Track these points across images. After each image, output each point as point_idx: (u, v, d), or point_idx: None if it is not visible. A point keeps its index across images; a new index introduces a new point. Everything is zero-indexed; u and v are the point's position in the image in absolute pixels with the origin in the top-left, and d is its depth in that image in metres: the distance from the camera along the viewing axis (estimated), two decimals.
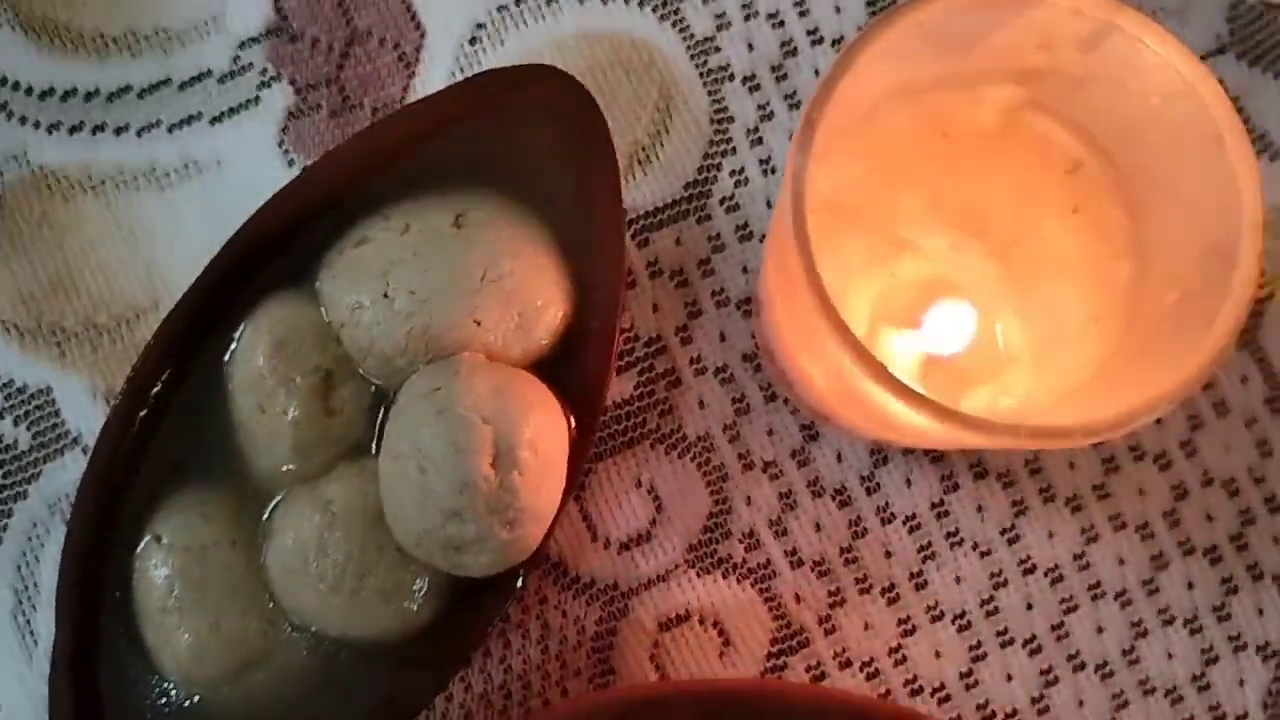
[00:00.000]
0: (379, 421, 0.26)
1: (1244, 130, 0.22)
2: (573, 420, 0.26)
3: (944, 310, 0.27)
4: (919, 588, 0.31)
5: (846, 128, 0.25)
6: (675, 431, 0.31)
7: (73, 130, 0.32)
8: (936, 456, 0.31)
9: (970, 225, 0.28)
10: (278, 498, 0.26)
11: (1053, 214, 0.27)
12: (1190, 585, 0.31)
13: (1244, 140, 0.22)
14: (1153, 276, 0.25)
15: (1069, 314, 0.26)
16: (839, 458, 0.31)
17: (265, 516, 0.26)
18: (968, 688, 0.31)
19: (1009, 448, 0.26)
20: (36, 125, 0.32)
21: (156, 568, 0.26)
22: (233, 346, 0.27)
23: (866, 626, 0.31)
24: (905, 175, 0.28)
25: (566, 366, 0.27)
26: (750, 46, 0.33)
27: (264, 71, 0.32)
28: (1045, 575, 0.31)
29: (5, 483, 0.31)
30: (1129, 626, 0.31)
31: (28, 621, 0.30)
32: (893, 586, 0.31)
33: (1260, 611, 0.31)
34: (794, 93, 0.32)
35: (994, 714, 0.31)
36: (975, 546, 0.31)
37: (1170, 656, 0.31)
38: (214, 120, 0.32)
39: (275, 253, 0.27)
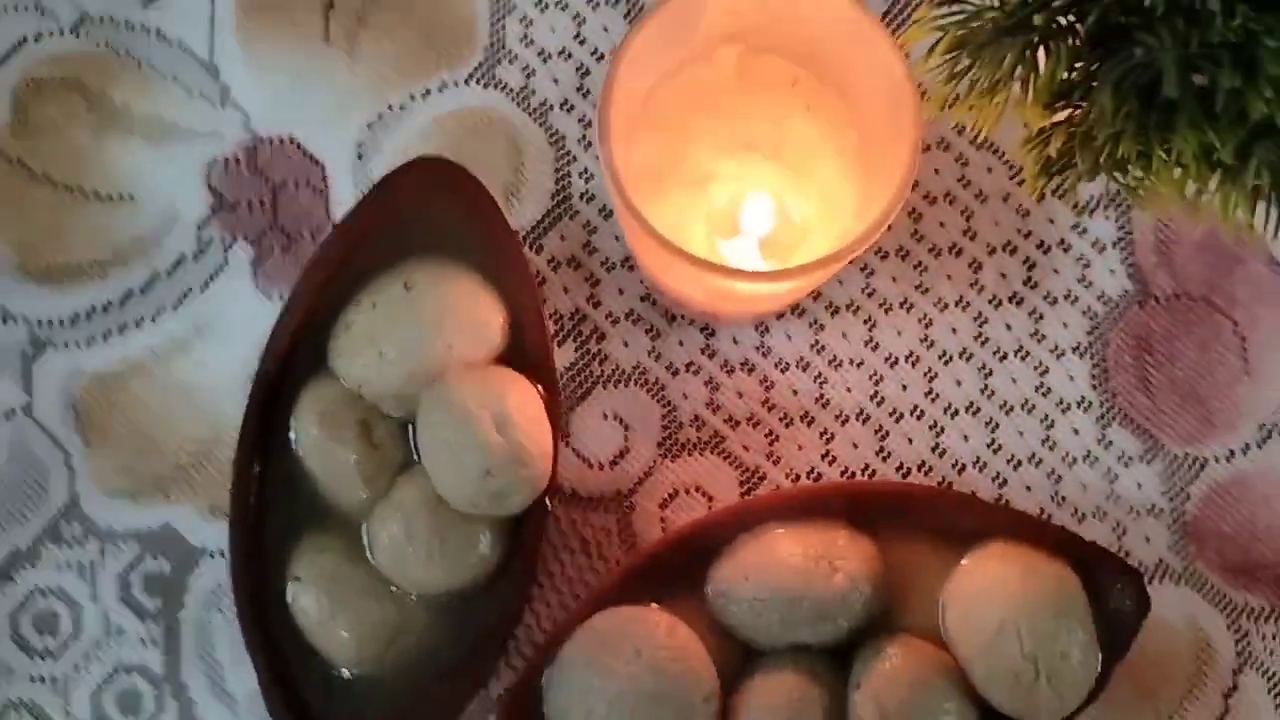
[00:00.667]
0: (412, 440, 0.37)
1: (880, 24, 0.34)
2: (540, 387, 0.37)
3: (749, 206, 0.38)
4: (824, 406, 0.42)
5: (635, 112, 0.36)
6: (616, 370, 0.42)
7: (105, 337, 0.42)
8: (800, 311, 0.42)
9: (749, 145, 0.39)
10: (369, 518, 0.37)
11: (796, 116, 0.38)
12: (1009, 327, 0.43)
13: (882, 32, 0.33)
14: (868, 135, 0.36)
15: (831, 180, 0.38)
16: (735, 341, 0.42)
17: (364, 532, 0.37)
18: (884, 459, 0.42)
19: (794, 284, 0.36)
20: (79, 345, 0.42)
21: (304, 598, 0.36)
22: (292, 434, 0.37)
23: (800, 448, 0.42)
24: (691, 129, 0.38)
25: (520, 354, 0.38)
26: (555, 80, 0.43)
27: (223, 240, 0.42)
28: (906, 361, 0.42)
29: (165, 604, 0.41)
30: (977, 372, 0.42)
31: (225, 690, 0.41)
32: (806, 413, 0.42)
33: (1065, 325, 0.43)
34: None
35: (909, 470, 0.42)
36: (851, 361, 0.42)
37: (1014, 381, 0.42)
38: (203, 288, 0.42)
39: (291, 362, 0.38)
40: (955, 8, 0.31)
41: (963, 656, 0.36)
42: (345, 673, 0.37)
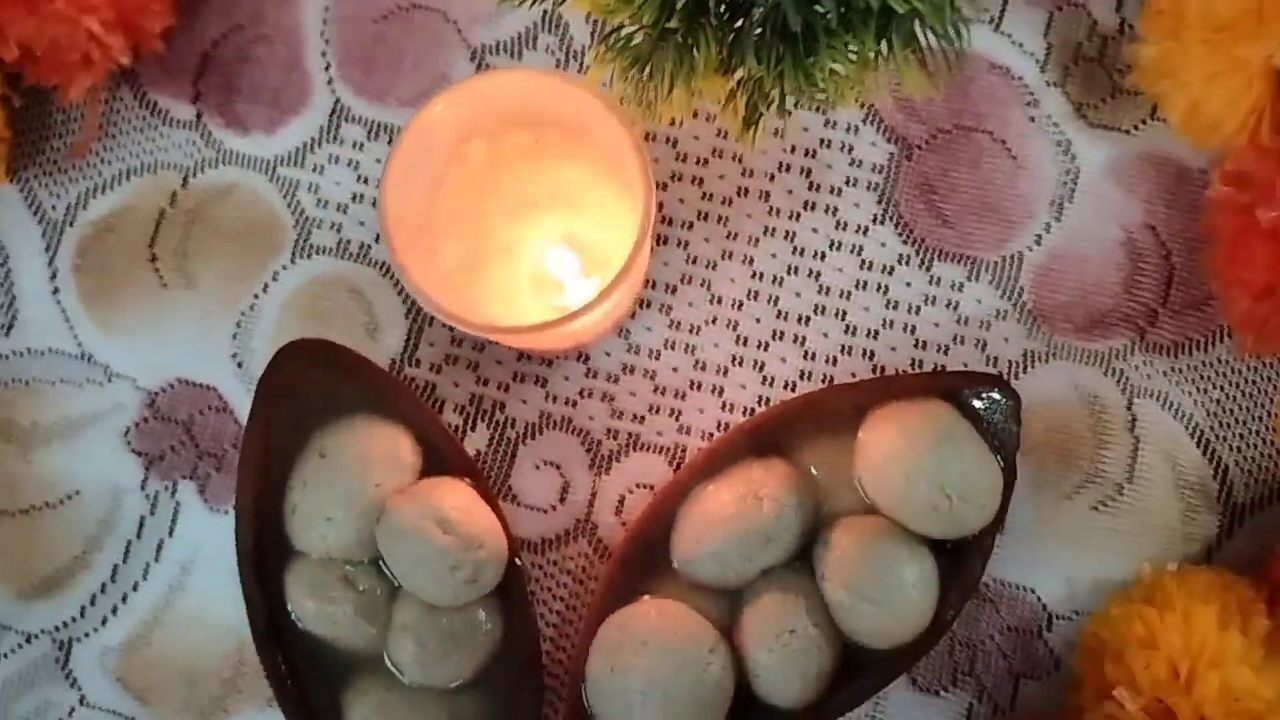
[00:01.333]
0: (388, 571, 0.43)
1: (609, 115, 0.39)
2: (466, 479, 0.43)
3: (550, 259, 0.43)
4: (703, 369, 0.48)
5: (423, 224, 0.41)
6: (526, 426, 0.48)
7: (114, 612, 0.47)
8: (646, 304, 0.48)
9: (531, 204, 0.44)
10: (386, 648, 0.43)
11: (552, 167, 0.44)
12: (814, 230, 0.48)
13: (612, 120, 0.39)
14: (613, 158, 0.42)
15: (604, 199, 0.43)
16: (607, 354, 0.48)
17: (387, 661, 0.43)
18: (771, 385, 0.48)
19: (613, 300, 0.42)
20: (96, 630, 0.47)
21: None
22: (294, 615, 0.43)
23: (701, 411, 0.48)
24: (479, 215, 0.44)
25: (438, 460, 0.43)
26: (361, 223, 0.49)
27: (166, 488, 0.48)
28: (749, 299, 0.48)
29: None
30: (808, 278, 0.48)
31: None
32: (693, 381, 0.48)
33: (856, 205, 0.48)
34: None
35: (794, 384, 0.48)
36: (706, 322, 0.48)
37: (840, 270, 0.48)
38: (170, 533, 0.48)
39: (262, 560, 0.43)
40: (613, 39, 0.37)
41: (890, 512, 0.42)
42: None
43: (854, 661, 0.43)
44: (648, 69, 0.37)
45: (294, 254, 0.49)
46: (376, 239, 0.49)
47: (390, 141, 0.49)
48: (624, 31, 0.37)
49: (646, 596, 0.43)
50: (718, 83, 0.37)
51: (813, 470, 0.44)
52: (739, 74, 0.37)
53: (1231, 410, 0.47)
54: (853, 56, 0.36)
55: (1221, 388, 0.47)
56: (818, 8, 0.34)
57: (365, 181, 0.49)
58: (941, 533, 0.42)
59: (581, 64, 0.49)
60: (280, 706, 0.42)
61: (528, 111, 0.42)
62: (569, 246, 0.44)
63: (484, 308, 0.44)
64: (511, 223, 0.44)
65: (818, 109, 0.48)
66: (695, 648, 0.41)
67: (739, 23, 0.36)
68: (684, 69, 0.36)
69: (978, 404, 0.43)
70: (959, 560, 0.42)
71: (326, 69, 0.50)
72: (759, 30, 0.35)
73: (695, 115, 0.48)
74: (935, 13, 0.35)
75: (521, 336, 0.38)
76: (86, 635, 0.47)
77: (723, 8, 0.35)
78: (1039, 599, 0.46)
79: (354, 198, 0.49)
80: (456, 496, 0.42)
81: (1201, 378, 0.47)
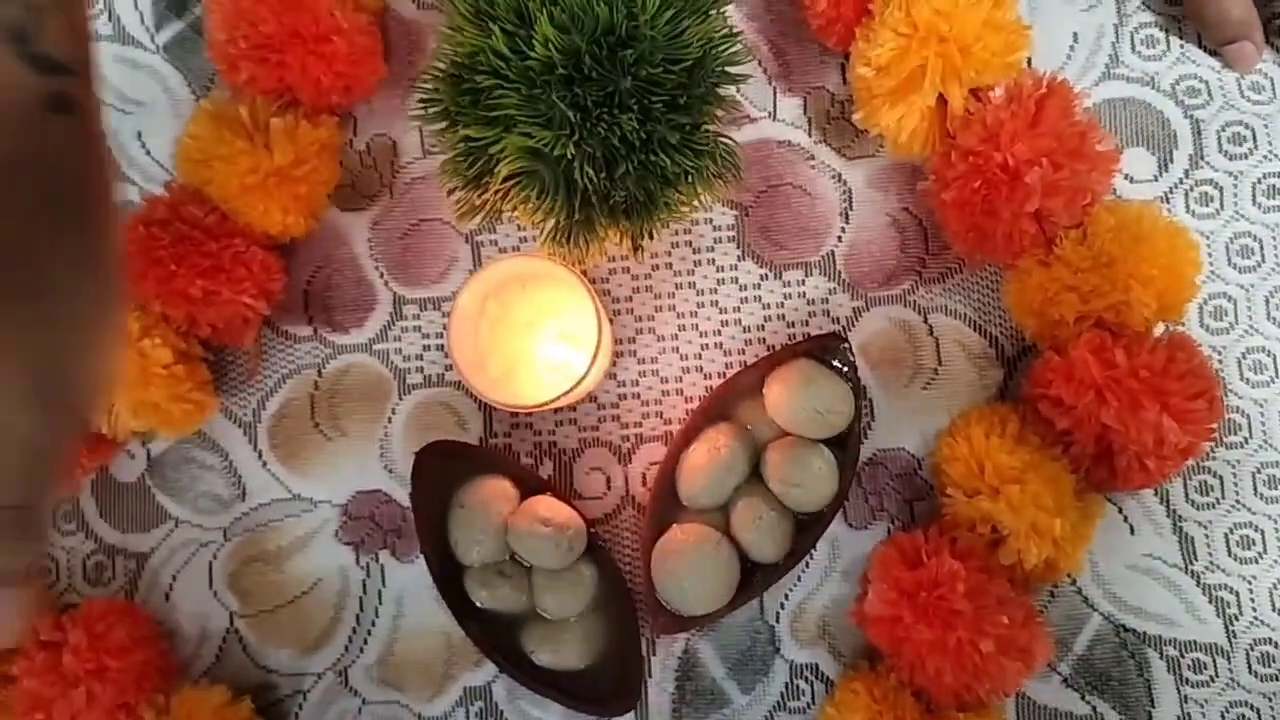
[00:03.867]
0: (522, 562, 0.71)
1: (563, 268, 0.68)
2: (549, 494, 0.72)
3: (544, 352, 0.72)
4: (664, 380, 0.76)
5: (477, 358, 0.70)
6: (569, 451, 0.76)
7: (354, 662, 0.77)
8: (623, 353, 0.76)
9: (529, 324, 0.73)
10: (537, 603, 0.71)
11: (539, 294, 0.72)
12: (705, 277, 0.76)
13: (565, 271, 0.68)
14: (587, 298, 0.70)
15: (569, 301, 0.72)
16: (606, 392, 0.76)
17: (539, 610, 0.71)
18: (711, 378, 0.76)
19: (598, 367, 0.71)
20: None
21: (543, 654, 0.71)
22: (478, 602, 0.72)
23: (674, 407, 0.76)
24: (510, 342, 0.73)
25: (527, 490, 0.72)
26: (434, 363, 0.78)
27: (372, 558, 0.77)
28: (682, 330, 0.76)
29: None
30: (712, 306, 0.76)
31: None
32: (666, 390, 0.76)
33: (725, 254, 0.77)
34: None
35: (727, 368, 0.76)
36: (662, 352, 0.76)
37: (730, 295, 0.76)
38: (379, 599, 0.77)
39: (448, 578, 0.72)
40: (547, 231, 0.65)
41: (794, 432, 0.70)
42: (578, 664, 0.71)
43: (804, 524, 0.71)
44: (572, 239, 0.65)
45: (400, 394, 0.78)
46: (447, 368, 0.77)
47: (437, 308, 0.78)
48: (552, 225, 0.65)
49: (674, 526, 0.72)
50: (612, 234, 0.66)
51: (746, 423, 0.72)
52: (622, 226, 0.66)
53: (986, 302, 0.75)
54: (682, 198, 0.65)
55: (976, 292, 0.75)
56: (649, 186, 0.63)
57: (428, 337, 0.78)
58: (826, 434, 0.70)
59: (530, 235, 0.78)
60: (487, 656, 0.71)
61: (517, 275, 0.70)
62: (562, 340, 0.72)
63: (522, 392, 0.72)
64: (525, 337, 0.73)
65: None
66: (709, 543, 0.70)
67: (612, 201, 0.64)
68: (592, 235, 0.65)
69: (825, 353, 0.71)
70: (844, 447, 0.71)
71: (381, 276, 0.78)
72: (624, 204, 0.64)
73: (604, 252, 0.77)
74: (711, 164, 0.63)
75: (546, 406, 0.67)
76: (353, 661, 0.76)
77: (603, 198, 0.64)
78: (909, 452, 0.74)
79: (425, 348, 0.78)
80: (546, 504, 0.70)
81: (962, 290, 0.75)
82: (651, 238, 0.66)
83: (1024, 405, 0.70)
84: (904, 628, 0.65)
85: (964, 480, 0.67)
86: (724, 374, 0.76)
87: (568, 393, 0.67)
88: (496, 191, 0.63)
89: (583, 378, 0.66)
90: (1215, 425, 0.66)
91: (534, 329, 0.72)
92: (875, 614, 0.66)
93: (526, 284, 0.71)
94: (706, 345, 0.76)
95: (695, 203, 0.65)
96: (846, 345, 0.71)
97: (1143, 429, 0.64)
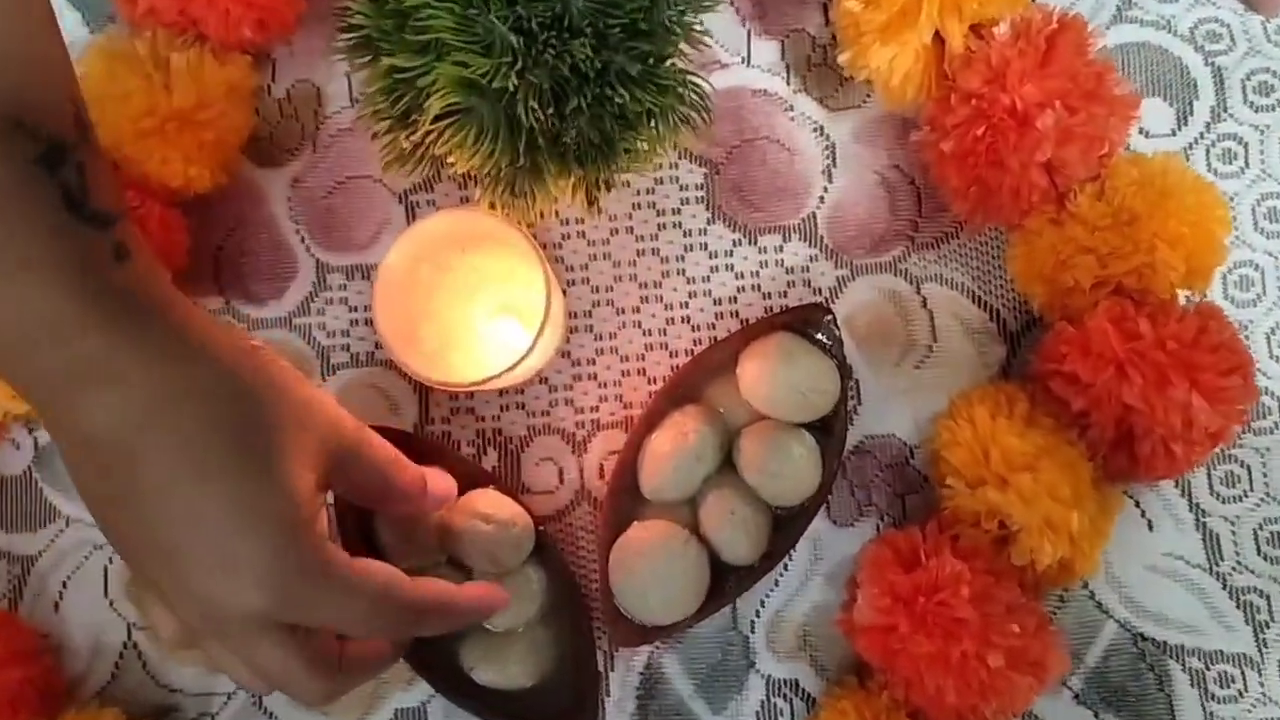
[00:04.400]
0: (459, 560, 0.62)
1: (506, 225, 0.59)
2: (491, 486, 0.63)
3: (498, 329, 0.63)
4: (626, 359, 0.67)
5: (409, 330, 0.61)
6: (519, 439, 0.67)
7: None
8: (581, 328, 0.67)
9: (486, 288, 0.64)
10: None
11: (477, 257, 0.63)
12: (670, 242, 0.68)
13: (508, 228, 0.58)
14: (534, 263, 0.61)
15: (518, 269, 0.63)
16: (558, 372, 0.67)
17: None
18: (678, 356, 0.67)
19: (546, 343, 0.62)
20: None
21: (485, 673, 0.62)
22: None
23: (635, 389, 0.67)
24: (453, 310, 0.63)
25: (468, 484, 0.63)
26: (363, 339, 0.68)
27: None
28: (645, 303, 0.67)
29: None
30: (679, 276, 0.67)
31: None
32: (626, 370, 0.67)
33: (693, 216, 0.68)
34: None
35: (696, 344, 0.67)
36: (621, 326, 0.67)
37: (697, 264, 0.68)
38: None
39: None
40: (488, 177, 0.56)
41: (772, 414, 0.62)
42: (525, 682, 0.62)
43: (782, 520, 0.62)
44: (516, 190, 0.56)
45: (323, 373, 0.68)
46: (377, 345, 0.68)
47: (365, 278, 0.69)
48: (492, 172, 0.56)
49: (635, 523, 0.63)
50: (562, 184, 0.57)
51: (717, 406, 0.63)
52: (575, 175, 0.57)
53: (988, 271, 0.67)
54: (643, 143, 0.56)
55: (976, 259, 0.67)
56: (605, 127, 0.54)
57: (355, 309, 0.69)
58: (808, 417, 0.61)
59: (472, 195, 0.69)
60: (419, 674, 0.62)
61: (454, 234, 0.61)
62: (507, 312, 0.63)
63: (461, 371, 0.63)
64: (464, 307, 0.64)
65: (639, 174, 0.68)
66: (675, 543, 0.61)
67: (562, 144, 0.55)
68: (540, 185, 0.56)
69: (806, 325, 0.63)
70: (828, 432, 0.62)
71: (303, 240, 0.69)
72: (576, 148, 0.55)
73: (555, 206, 0.68)
74: (677, 104, 0.55)
75: (486, 386, 0.58)
76: None
77: (552, 140, 0.55)
78: (900, 439, 0.66)
79: (352, 323, 0.68)
80: (488, 499, 0.61)
81: (960, 256, 0.67)
82: (608, 189, 0.57)
83: (1033, 385, 0.61)
84: (899, 638, 0.56)
85: (967, 468, 0.58)
86: (691, 351, 0.67)
87: (512, 369, 0.58)
88: (428, 133, 0.54)
89: (528, 352, 0.57)
90: (1248, 407, 0.58)
91: (474, 298, 0.63)
92: (866, 623, 0.57)
93: (466, 246, 0.62)
94: (672, 319, 0.67)
95: (658, 149, 0.57)
96: (831, 317, 0.62)
97: (1170, 409, 0.56)
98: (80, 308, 0.43)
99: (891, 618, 0.56)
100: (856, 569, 0.61)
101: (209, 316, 0.48)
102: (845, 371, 0.62)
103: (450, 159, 0.55)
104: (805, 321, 0.63)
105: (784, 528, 0.62)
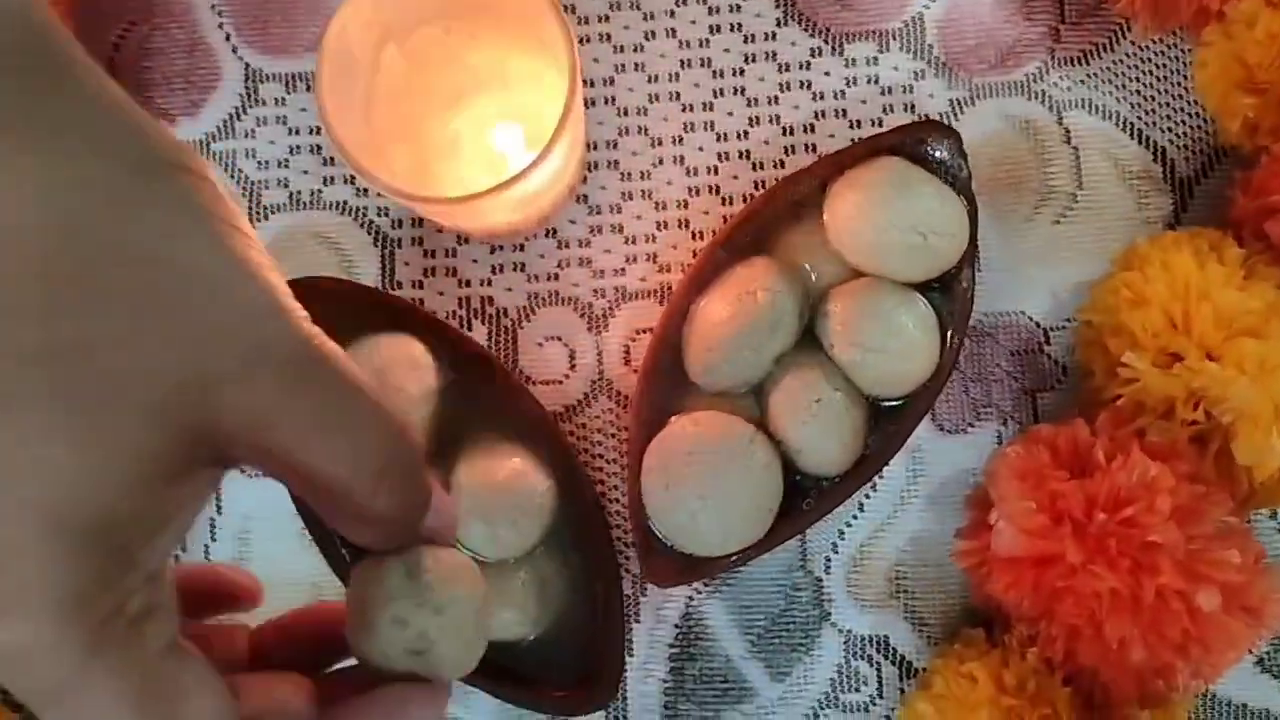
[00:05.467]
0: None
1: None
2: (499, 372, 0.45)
3: (497, 136, 0.45)
4: (664, 208, 0.50)
5: (366, 138, 0.43)
6: (517, 309, 0.50)
7: None
8: (606, 164, 0.50)
9: (459, 93, 0.46)
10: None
11: (470, 50, 0.45)
12: (726, 50, 0.50)
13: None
14: (530, 25, 0.43)
15: (529, 67, 0.45)
16: (571, 222, 0.50)
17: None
18: (730, 204, 0.50)
19: (558, 161, 0.44)
20: None
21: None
22: None
23: (674, 247, 0.50)
24: (415, 117, 0.46)
25: (448, 357, 0.45)
26: (306, 172, 0.50)
27: None
28: (689, 131, 0.50)
29: None
30: (737, 96, 0.50)
31: None
32: (660, 222, 0.50)
33: (758, 15, 0.50)
34: None
35: (750, 195, 0.50)
36: (660, 161, 0.50)
37: (761, 79, 0.50)
38: (211, 533, 0.49)
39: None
40: None
41: (874, 269, 0.44)
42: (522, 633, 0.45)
43: (882, 416, 0.45)
44: None
45: (251, 220, 0.50)
46: (325, 180, 0.50)
47: (310, 89, 0.51)
48: None
49: (678, 417, 0.45)
50: None
51: (795, 258, 0.46)
52: None
53: (1153, 95, 0.50)
54: None
55: (1137, 78, 0.50)
56: None
57: (297, 132, 0.51)
58: (925, 272, 0.44)
59: None
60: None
61: (432, 4, 0.43)
62: (509, 121, 0.46)
63: (446, 187, 0.45)
64: (447, 115, 0.46)
65: None
66: (736, 441, 0.44)
67: None
68: None
69: (922, 149, 0.45)
70: (949, 294, 0.45)
71: (228, 39, 0.51)
72: None
73: None
74: None
75: (472, 199, 0.40)
76: None
77: None
78: (1031, 318, 0.49)
79: (292, 150, 0.51)
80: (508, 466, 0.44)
81: (1117, 75, 0.50)
82: None
83: (1231, 234, 0.45)
84: (1063, 572, 0.39)
85: (1156, 338, 0.41)
86: (750, 196, 0.50)
87: (508, 184, 0.40)
88: None
89: (530, 166, 0.40)
90: None
91: (466, 102, 0.46)
92: (1010, 552, 0.41)
93: (453, 26, 0.44)
94: (726, 154, 0.50)
95: None
96: (956, 139, 0.45)
97: None
98: None
99: (1052, 543, 0.39)
100: (983, 482, 0.44)
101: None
102: (973, 209, 0.45)
103: None
104: (921, 142, 0.46)
105: (883, 427, 0.45)
